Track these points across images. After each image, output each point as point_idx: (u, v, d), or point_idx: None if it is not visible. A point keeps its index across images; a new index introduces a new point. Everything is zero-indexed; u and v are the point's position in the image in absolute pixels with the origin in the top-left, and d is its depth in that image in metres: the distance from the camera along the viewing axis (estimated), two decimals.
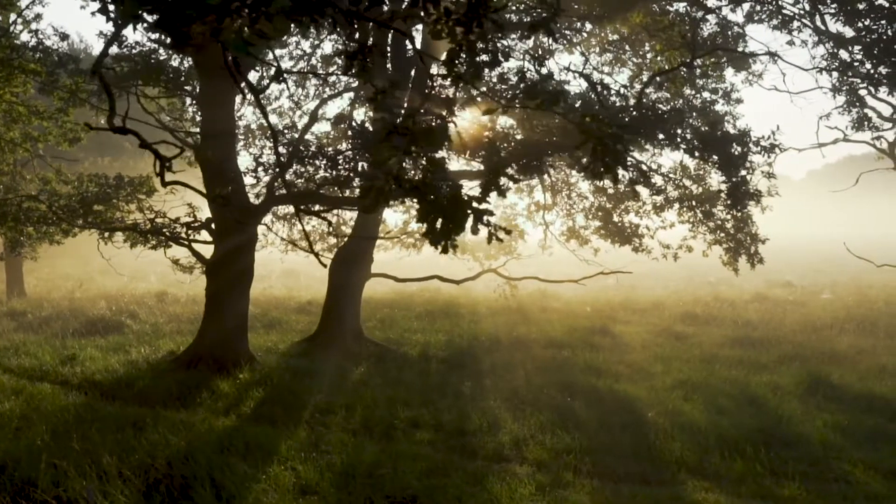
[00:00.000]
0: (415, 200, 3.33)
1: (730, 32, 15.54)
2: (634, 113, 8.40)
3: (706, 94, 16.50)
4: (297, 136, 12.38)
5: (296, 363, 12.36)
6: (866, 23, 10.30)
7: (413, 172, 3.84)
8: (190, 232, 11.97)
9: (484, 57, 3.63)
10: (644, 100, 10.29)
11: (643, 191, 13.11)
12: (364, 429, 8.70)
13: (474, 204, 2.79)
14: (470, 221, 3.15)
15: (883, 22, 10.12)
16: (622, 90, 15.79)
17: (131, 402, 9.95)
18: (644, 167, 12.68)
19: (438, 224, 2.71)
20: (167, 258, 13.85)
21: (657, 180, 14.74)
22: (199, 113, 12.16)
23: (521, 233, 20.28)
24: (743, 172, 10.40)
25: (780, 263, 37.64)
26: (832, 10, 10.66)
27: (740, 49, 15.20)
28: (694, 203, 14.95)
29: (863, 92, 11.49)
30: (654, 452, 7.71)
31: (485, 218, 2.81)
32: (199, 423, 8.64)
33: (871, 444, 8.04)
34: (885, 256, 29.43)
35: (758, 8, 13.37)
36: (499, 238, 2.95)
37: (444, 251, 2.88)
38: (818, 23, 12.11)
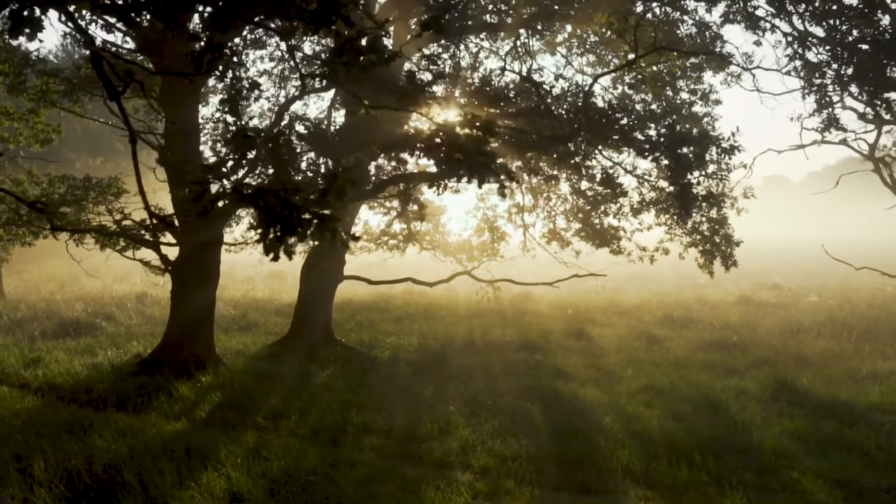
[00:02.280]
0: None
1: (708, 33, 15.44)
2: (581, 116, 8.26)
3: (684, 95, 16.44)
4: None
5: (261, 366, 12.26)
6: (833, 23, 10.13)
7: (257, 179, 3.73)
8: (153, 233, 11.86)
9: (372, 56, 3.53)
10: (591, 101, 10.12)
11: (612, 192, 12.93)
12: (313, 434, 8.58)
13: (315, 209, 2.71)
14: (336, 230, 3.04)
15: (849, 23, 9.96)
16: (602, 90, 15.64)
17: (88, 405, 9.86)
18: (612, 170, 12.53)
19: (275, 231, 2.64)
20: (135, 260, 13.76)
21: (632, 182, 14.61)
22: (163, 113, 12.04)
23: (503, 234, 20.17)
24: (695, 175, 10.25)
25: (772, 265, 37.42)
26: (800, 10, 10.50)
27: (714, 51, 15.09)
28: (669, 205, 14.81)
29: (835, 94, 11.33)
30: (602, 460, 7.58)
31: (328, 224, 2.72)
32: (147, 428, 8.54)
33: (825, 451, 7.89)
34: (876, 257, 29.14)
35: (733, 8, 13.22)
36: (345, 244, 2.85)
37: (275, 259, 2.77)
38: (795, 23, 11.96)
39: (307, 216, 2.63)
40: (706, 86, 15.98)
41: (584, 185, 16.34)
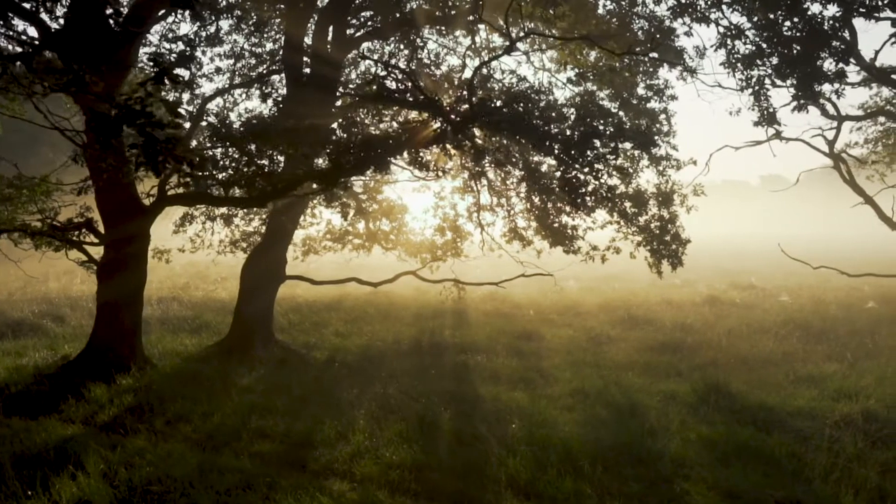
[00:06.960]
0: None
1: (664, 27, 15.09)
2: (466, 108, 7.95)
3: (640, 91, 16.10)
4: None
5: (189, 368, 11.98)
6: (766, 13, 9.74)
7: None
8: (77, 233, 11.64)
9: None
10: (478, 94, 9.74)
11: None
12: (207, 439, 8.30)
13: None
14: None
15: (781, 13, 9.58)
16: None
17: None
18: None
19: None
20: (70, 260, 13.54)
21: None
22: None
23: (465, 234, 19.83)
24: (588, 169, 9.86)
25: (755, 264, 36.89)
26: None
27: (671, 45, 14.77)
28: (621, 203, 14.44)
29: (772, 88, 10.92)
30: (490, 469, 7.26)
31: None
32: (36, 433, 8.29)
33: (727, 461, 7.54)
34: (866, 255, 28.57)
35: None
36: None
37: None
38: (727, 13, 11.56)
39: None
40: (661, 81, 15.64)
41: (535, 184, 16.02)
